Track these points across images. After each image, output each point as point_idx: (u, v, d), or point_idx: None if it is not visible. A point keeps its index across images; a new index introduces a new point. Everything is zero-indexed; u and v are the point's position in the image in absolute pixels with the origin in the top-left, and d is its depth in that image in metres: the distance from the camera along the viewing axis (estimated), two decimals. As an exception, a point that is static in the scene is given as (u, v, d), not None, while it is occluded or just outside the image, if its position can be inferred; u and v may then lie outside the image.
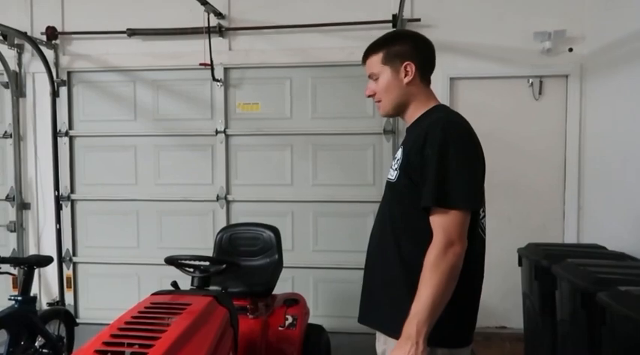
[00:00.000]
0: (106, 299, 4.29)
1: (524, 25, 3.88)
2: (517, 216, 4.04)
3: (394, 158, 1.67)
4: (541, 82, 3.97)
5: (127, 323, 1.87)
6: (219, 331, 1.97)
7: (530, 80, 3.97)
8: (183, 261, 2.37)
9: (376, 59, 1.65)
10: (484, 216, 1.65)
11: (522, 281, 3.35)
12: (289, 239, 4.08)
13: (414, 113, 1.66)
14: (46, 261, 2.96)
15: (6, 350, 2.66)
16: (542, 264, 2.90)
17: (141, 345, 1.69)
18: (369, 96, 1.71)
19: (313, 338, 2.79)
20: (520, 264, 3.33)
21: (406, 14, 3.85)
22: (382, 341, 1.64)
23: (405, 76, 1.61)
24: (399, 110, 1.68)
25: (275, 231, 2.96)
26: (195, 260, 2.32)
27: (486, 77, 4.02)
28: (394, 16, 3.89)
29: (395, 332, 1.48)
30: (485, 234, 1.65)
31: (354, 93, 4.02)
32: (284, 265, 2.99)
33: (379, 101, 1.69)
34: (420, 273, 1.45)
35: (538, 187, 4.01)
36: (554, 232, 4.00)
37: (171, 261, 2.34)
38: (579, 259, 2.69)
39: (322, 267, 4.11)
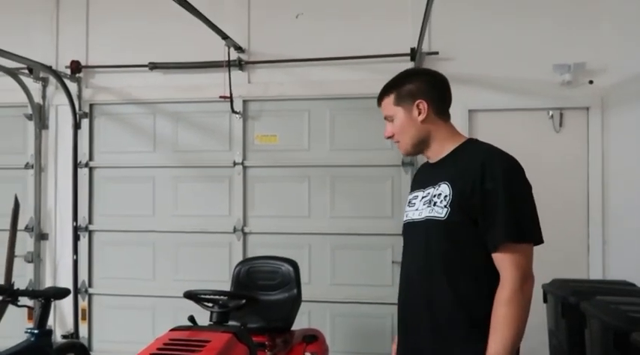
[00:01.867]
0: (120, 332, 4.24)
1: (543, 57, 3.87)
2: (539, 250, 3.91)
3: (425, 191, 1.63)
4: (561, 115, 3.93)
5: None
6: (240, 370, 1.91)
7: (551, 112, 3.94)
8: (202, 296, 2.33)
9: (389, 101, 1.67)
10: None
11: (548, 319, 3.24)
12: (306, 272, 4.02)
13: (440, 149, 1.64)
14: (63, 293, 2.94)
15: (21, 386, 2.61)
16: (570, 300, 2.80)
17: None
18: (389, 137, 1.73)
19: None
20: (545, 300, 3.23)
21: (424, 48, 3.88)
22: None
23: (419, 114, 1.62)
24: (419, 148, 1.68)
25: (294, 264, 2.92)
26: (214, 295, 2.28)
27: (506, 109, 4.00)
28: (412, 49, 3.92)
29: None
30: None
31: (373, 125, 4.02)
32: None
33: (398, 142, 1.71)
34: (480, 311, 1.45)
35: (561, 221, 3.91)
36: (578, 267, 3.89)
37: (190, 295, 2.31)
38: (609, 296, 2.60)
39: (340, 301, 4.03)
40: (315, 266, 4.07)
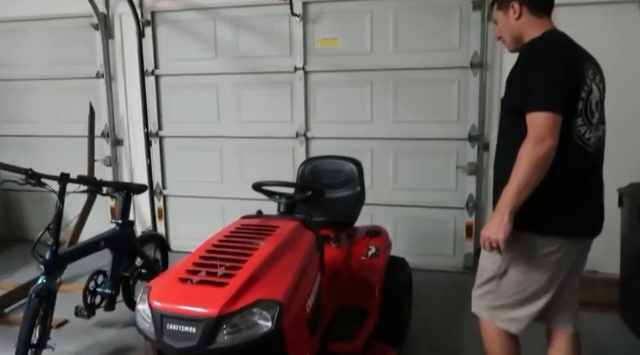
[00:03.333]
0: (193, 230, 4.52)
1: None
2: (618, 153, 3.70)
3: None
4: (653, 5, 3.52)
5: (215, 245, 1.95)
6: (307, 253, 2.00)
7: (641, 3, 3.54)
8: (269, 189, 2.41)
9: (494, 9, 1.98)
10: (584, 125, 1.79)
11: (622, 223, 3.12)
12: (368, 176, 4.02)
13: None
14: (141, 188, 3.15)
15: (111, 268, 2.90)
16: (650, 203, 2.67)
17: (229, 267, 1.76)
18: (498, 38, 2.02)
19: (396, 270, 2.79)
20: (620, 204, 3.09)
21: None
22: None
23: (514, 13, 1.89)
24: (517, 43, 1.92)
25: (357, 163, 2.93)
26: (281, 186, 2.35)
27: (590, 3, 3.63)
28: (486, -64, 3.56)
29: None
30: (585, 144, 1.80)
31: (439, 25, 3.80)
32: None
33: (503, 41, 1.99)
34: None
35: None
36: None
37: (258, 186, 2.39)
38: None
39: (402, 205, 4.07)
40: (378, 170, 4.08)
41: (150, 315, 1.62)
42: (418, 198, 4.01)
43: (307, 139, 4.19)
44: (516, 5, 1.86)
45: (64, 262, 2.58)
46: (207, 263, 1.81)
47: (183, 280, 1.71)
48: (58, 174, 2.54)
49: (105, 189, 2.86)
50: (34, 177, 2.48)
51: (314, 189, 2.40)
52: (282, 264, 1.85)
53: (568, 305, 2.01)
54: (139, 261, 3.12)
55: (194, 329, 1.54)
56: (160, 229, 4.60)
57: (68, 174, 2.57)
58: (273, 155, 4.30)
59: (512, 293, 1.89)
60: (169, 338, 1.57)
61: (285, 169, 4.22)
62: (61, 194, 2.54)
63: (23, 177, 2.48)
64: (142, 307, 1.67)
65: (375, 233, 2.91)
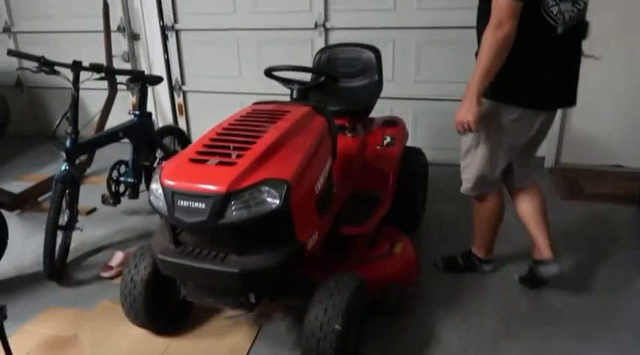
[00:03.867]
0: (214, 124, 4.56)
1: None
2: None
3: None
4: None
5: (225, 128, 1.94)
6: (318, 137, 1.98)
7: None
8: (281, 75, 2.34)
9: None
10: (554, 3, 1.84)
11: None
12: (389, 68, 3.91)
13: None
14: (157, 79, 3.12)
15: (131, 158, 2.97)
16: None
17: (238, 148, 1.76)
18: None
19: (411, 159, 2.77)
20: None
21: None
22: None
23: None
24: None
25: (375, 50, 2.80)
26: (294, 70, 2.28)
27: None
28: None
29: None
30: (555, 21, 1.87)
31: None
32: (382, 96, 2.87)
33: None
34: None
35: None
36: None
37: (270, 70, 2.32)
38: None
39: (423, 98, 3.95)
40: (399, 62, 3.92)
41: (162, 193, 1.67)
42: (440, 91, 3.87)
43: (326, 30, 4.01)
44: None
45: (84, 150, 2.66)
46: (217, 144, 1.82)
47: (194, 160, 1.73)
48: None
49: (119, 79, 2.84)
50: (46, 65, 2.47)
51: (327, 73, 2.33)
52: (292, 146, 1.84)
53: (525, 168, 2.30)
54: (159, 153, 3.19)
55: (204, 205, 1.58)
56: (181, 125, 4.64)
57: (80, 62, 2.54)
58: (292, 48, 4.15)
59: (486, 158, 2.12)
60: (180, 213, 1.62)
61: (304, 62, 4.08)
62: (75, 82, 2.54)
63: (36, 64, 2.47)
64: (155, 186, 1.72)
65: (392, 123, 2.86)
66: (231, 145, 1.79)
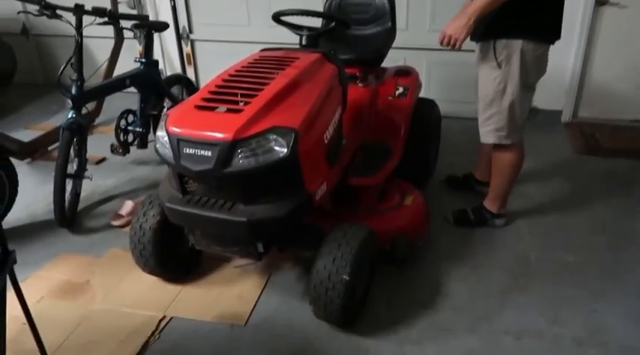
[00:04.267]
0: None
1: None
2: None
3: None
4: None
5: (232, 75, 1.88)
6: (328, 85, 1.92)
7: None
8: (290, 21, 2.24)
9: None
10: None
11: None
12: (403, 17, 3.75)
13: None
14: (162, 25, 3.03)
15: (138, 107, 2.93)
16: None
17: (245, 95, 1.70)
18: None
19: (424, 110, 2.69)
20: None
21: None
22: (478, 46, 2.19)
23: None
24: None
25: (389, -3, 2.67)
26: (303, 14, 2.18)
27: None
28: None
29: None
30: None
31: None
32: (395, 45, 2.76)
33: None
34: None
35: None
36: None
37: (278, 15, 2.23)
38: None
39: (438, 49, 3.78)
40: (413, 9, 3.75)
41: (167, 140, 1.64)
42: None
43: (339, -26, 3.82)
44: None
45: (90, 97, 2.62)
46: (223, 91, 1.77)
47: (200, 107, 1.69)
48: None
49: (125, 25, 2.75)
50: (48, 8, 2.39)
51: (339, 19, 2.22)
52: (301, 94, 1.78)
53: None
54: (167, 102, 3.14)
55: (210, 153, 1.55)
56: (190, 75, 4.56)
57: (83, 5, 2.46)
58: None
59: (517, 101, 2.12)
60: (187, 161, 1.59)
61: (314, 7, 3.92)
62: (78, 27, 2.47)
63: (37, 7, 2.40)
64: (161, 133, 1.69)
65: (405, 72, 2.76)
66: (238, 93, 1.73)
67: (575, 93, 3.71)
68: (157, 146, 1.71)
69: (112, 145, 2.93)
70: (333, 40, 2.49)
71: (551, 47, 2.15)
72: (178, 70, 4.58)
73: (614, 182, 2.94)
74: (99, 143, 3.25)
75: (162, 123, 1.70)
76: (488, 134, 2.24)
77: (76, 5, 2.44)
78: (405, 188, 2.37)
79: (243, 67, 1.97)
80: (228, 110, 1.65)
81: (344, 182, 2.10)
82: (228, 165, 1.55)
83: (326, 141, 1.80)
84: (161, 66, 4.54)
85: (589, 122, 3.73)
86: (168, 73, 4.56)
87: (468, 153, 3.06)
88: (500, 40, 2.04)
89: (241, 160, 1.55)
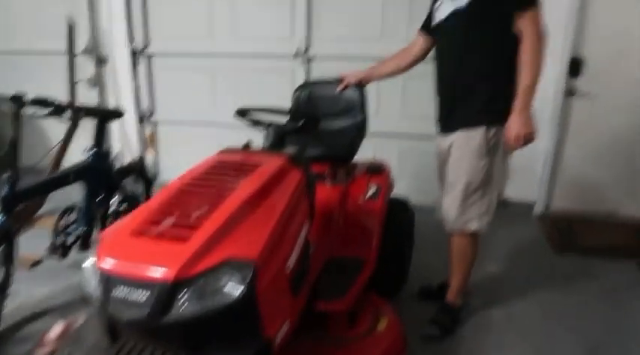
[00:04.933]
0: (186, 160, 4.21)
1: None
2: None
3: None
4: None
5: (181, 188, 1.62)
6: (292, 198, 1.67)
7: None
8: (253, 117, 2.05)
9: None
10: None
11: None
12: (374, 102, 3.64)
13: None
14: (115, 114, 2.79)
15: (84, 203, 2.61)
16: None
17: (194, 216, 1.43)
18: None
19: (397, 213, 2.48)
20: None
21: None
22: (455, 136, 2.11)
23: None
24: None
25: (360, 88, 2.53)
26: (268, 112, 1.98)
27: None
28: None
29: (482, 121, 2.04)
30: None
31: None
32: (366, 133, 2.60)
33: None
34: (500, 83, 1.96)
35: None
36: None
37: (242, 112, 2.03)
38: None
39: (410, 136, 3.68)
40: (385, 96, 3.67)
41: (95, 276, 1.34)
42: (428, 128, 3.60)
43: (309, 59, 3.74)
44: None
45: (24, 197, 2.29)
46: (168, 209, 1.49)
47: (137, 233, 1.40)
48: (36, 94, 2.27)
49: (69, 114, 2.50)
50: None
51: (307, 116, 2.03)
52: (260, 213, 1.53)
53: None
54: (118, 196, 2.84)
55: (144, 297, 1.25)
56: (150, 159, 4.30)
57: (21, 96, 2.22)
58: (271, 76, 3.88)
59: (498, 186, 2.13)
60: (116, 306, 1.28)
61: (284, 93, 3.78)
62: (16, 117, 2.20)
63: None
64: (88, 265, 1.39)
65: (377, 170, 2.57)
66: (187, 212, 1.47)
67: (547, 184, 3.61)
68: (82, 281, 1.40)
69: (49, 246, 2.58)
70: (300, 134, 2.30)
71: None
72: (137, 152, 4.32)
73: (596, 284, 2.74)
74: (37, 240, 2.83)
75: (92, 251, 1.40)
76: (470, 221, 2.15)
77: (14, 96, 2.20)
78: (377, 306, 2.08)
79: (194, 177, 1.71)
80: (172, 238, 1.37)
81: (309, 307, 1.81)
82: (167, 312, 1.25)
83: (290, 270, 1.53)
84: (119, 149, 4.30)
85: (564, 215, 3.59)
86: (127, 157, 4.30)
87: (444, 249, 2.84)
88: (491, 127, 2.01)
89: (184, 305, 1.25)
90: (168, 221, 1.44)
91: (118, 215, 2.84)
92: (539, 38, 1.86)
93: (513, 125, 1.94)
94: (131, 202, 2.88)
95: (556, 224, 3.46)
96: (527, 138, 1.95)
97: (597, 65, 3.33)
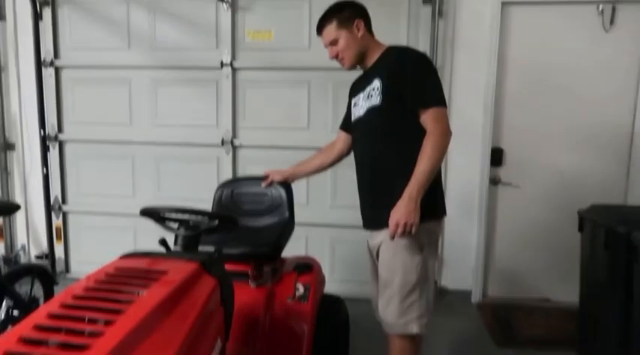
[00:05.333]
0: (99, 253, 3.83)
1: None
2: (573, 171, 3.42)
3: (364, 91, 2.04)
4: (614, 9, 3.26)
5: (77, 297, 1.35)
6: (204, 310, 1.45)
7: (600, 6, 3.26)
8: (164, 215, 1.84)
9: (331, 28, 2.03)
10: None
11: (583, 249, 2.77)
12: (304, 192, 3.55)
13: (372, 57, 2.05)
14: (9, 208, 2.48)
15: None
16: (619, 230, 2.31)
17: (84, 335, 1.18)
18: (334, 57, 2.08)
19: (329, 313, 2.28)
20: (581, 228, 2.75)
21: None
22: (383, 234, 1.95)
23: (358, 31, 2.02)
24: (359, 59, 2.07)
25: (286, 185, 2.41)
26: (179, 213, 1.78)
27: (545, 2, 3.31)
28: None
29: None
30: None
31: (386, 19, 3.34)
32: (297, 223, 2.46)
33: (342, 59, 2.07)
34: (412, 158, 1.86)
35: (600, 138, 3.37)
36: (615, 192, 3.39)
37: (147, 213, 1.82)
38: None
39: (341, 226, 3.57)
40: (315, 185, 3.57)
41: None
42: (359, 218, 3.53)
43: (234, 148, 3.63)
44: (360, 24, 2.01)
45: None
46: (55, 325, 1.21)
47: (27, 343, 1.10)
48: None
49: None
50: None
51: (222, 216, 1.86)
52: (166, 328, 1.28)
53: None
54: (7, 302, 2.45)
55: None
56: (59, 252, 3.88)
57: None
58: (195, 166, 3.70)
59: (432, 283, 2.02)
60: None
61: (209, 183, 3.61)
62: None
63: None
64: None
65: (305, 268, 2.38)
66: (81, 326, 1.20)
67: (482, 271, 3.57)
68: None
69: None
70: (220, 232, 2.10)
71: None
72: (44, 246, 3.90)
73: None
74: None
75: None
76: (410, 324, 1.96)
77: None
78: None
79: (87, 288, 1.44)
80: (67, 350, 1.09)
81: None
82: None
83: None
84: (24, 243, 3.87)
85: (501, 302, 3.53)
86: (33, 252, 3.87)
87: (381, 344, 2.63)
88: (427, 223, 1.90)
89: None
90: (52, 341, 1.16)
91: (7, 323, 2.44)
92: (442, 133, 1.85)
93: (397, 211, 1.81)
94: (25, 308, 2.49)
95: (494, 313, 3.38)
96: (408, 229, 1.80)
97: (515, 156, 3.46)
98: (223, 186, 2.53)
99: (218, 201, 2.48)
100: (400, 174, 1.88)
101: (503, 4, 3.30)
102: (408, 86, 1.87)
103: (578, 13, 3.29)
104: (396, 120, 1.93)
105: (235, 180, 2.66)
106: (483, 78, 3.37)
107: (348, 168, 3.52)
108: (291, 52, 3.51)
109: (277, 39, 3.53)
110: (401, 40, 3.37)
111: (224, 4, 3.46)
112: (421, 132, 1.87)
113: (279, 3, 3.50)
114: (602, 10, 3.25)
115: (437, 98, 1.89)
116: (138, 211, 3.71)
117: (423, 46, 3.32)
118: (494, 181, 3.50)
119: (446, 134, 1.87)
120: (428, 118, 1.87)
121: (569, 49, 3.32)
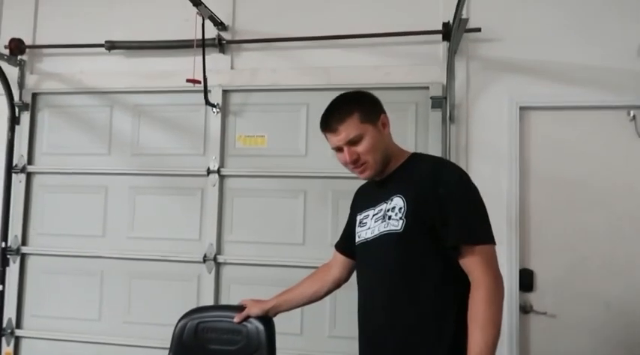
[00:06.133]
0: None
1: (624, 38, 2.89)
2: (616, 300, 2.87)
3: (376, 208, 1.63)
4: (646, 114, 2.92)
5: None
6: None
7: (632, 112, 2.92)
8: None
9: (353, 121, 1.57)
10: None
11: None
12: (297, 320, 2.99)
13: (394, 165, 1.65)
14: None
15: None
16: None
17: None
18: (351, 163, 1.59)
19: None
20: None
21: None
22: None
23: (384, 128, 1.63)
24: (385, 165, 1.64)
25: (266, 321, 1.90)
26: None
27: (569, 107, 2.99)
28: (446, 24, 2.95)
29: None
30: None
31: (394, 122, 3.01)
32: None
33: (365, 163, 1.60)
34: (442, 311, 1.48)
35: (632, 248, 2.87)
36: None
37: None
38: None
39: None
40: (310, 312, 2.99)
41: None
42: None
43: (218, 265, 3.14)
44: (386, 118, 1.64)
45: None
46: None
47: None
48: None
49: None
50: None
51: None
52: None
53: None
54: None
55: None
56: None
57: None
58: (172, 285, 3.19)
59: None
60: None
61: (187, 305, 3.01)
62: None
63: None
64: None
65: None
66: None
67: None
68: None
69: None
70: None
71: None
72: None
73: None
74: None
75: None
76: None
77: None
78: None
79: None
80: None
81: None
82: None
83: None
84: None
85: None
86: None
87: None
88: None
89: None
90: None
91: None
92: (496, 285, 1.44)
93: None
94: None
95: None
96: None
97: (549, 279, 2.93)
98: (187, 316, 2.01)
99: (178, 337, 1.96)
100: (427, 315, 1.50)
101: (521, 108, 2.98)
102: (449, 215, 1.48)
103: (606, 118, 2.94)
104: (424, 254, 1.52)
105: (202, 309, 2.14)
106: (505, 189, 2.94)
107: (349, 289, 2.98)
108: (285, 159, 3.16)
109: (271, 144, 3.20)
110: (409, 145, 3.01)
111: (213, 109, 3.19)
112: (451, 275, 1.50)
113: (273, 107, 3.22)
114: (634, 116, 2.91)
115: (486, 232, 1.50)
116: (103, 339, 3.18)
117: (433, 152, 2.95)
118: (525, 309, 2.93)
119: (501, 285, 1.46)
120: (474, 259, 1.45)
121: (600, 157, 2.93)
